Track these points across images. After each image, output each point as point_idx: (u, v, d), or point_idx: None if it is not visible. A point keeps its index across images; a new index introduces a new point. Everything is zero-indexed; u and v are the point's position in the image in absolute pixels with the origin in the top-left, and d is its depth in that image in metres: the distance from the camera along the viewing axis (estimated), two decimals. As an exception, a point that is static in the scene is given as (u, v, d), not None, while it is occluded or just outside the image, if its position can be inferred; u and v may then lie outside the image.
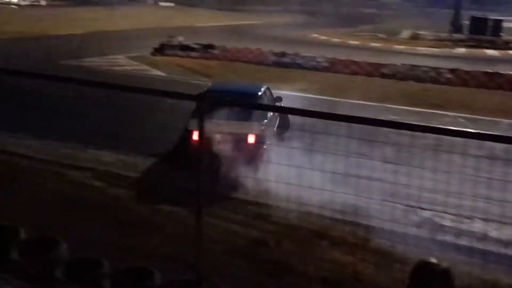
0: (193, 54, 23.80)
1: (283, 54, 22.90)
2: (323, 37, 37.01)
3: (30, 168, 7.30)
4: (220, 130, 7.44)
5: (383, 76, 20.52)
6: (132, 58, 22.68)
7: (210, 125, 5.13)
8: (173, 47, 24.49)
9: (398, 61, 22.07)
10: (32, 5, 55.05)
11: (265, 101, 10.18)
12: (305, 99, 15.22)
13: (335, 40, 35.72)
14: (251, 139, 8.45)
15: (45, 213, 6.01)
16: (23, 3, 55.79)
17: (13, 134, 8.12)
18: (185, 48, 24.37)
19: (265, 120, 9.15)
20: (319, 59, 22.14)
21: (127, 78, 18.11)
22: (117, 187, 6.98)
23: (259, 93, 10.09)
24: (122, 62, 21.67)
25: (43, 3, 57.79)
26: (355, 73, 20.80)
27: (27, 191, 6.58)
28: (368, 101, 15.82)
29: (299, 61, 22.35)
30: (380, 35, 40.18)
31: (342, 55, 22.92)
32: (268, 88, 11.01)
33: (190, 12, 55.81)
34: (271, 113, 9.61)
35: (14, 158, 7.58)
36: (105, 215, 6.15)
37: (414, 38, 38.55)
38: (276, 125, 9.87)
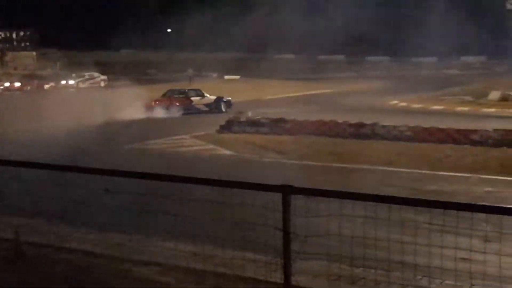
0: (263, 129, 23.95)
1: (361, 125, 22.73)
2: (403, 104, 36.78)
3: (94, 267, 7.25)
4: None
5: (474, 143, 19.95)
6: (198, 137, 23.03)
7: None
8: (240, 123, 24.76)
9: (489, 126, 21.50)
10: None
11: (193, 94, 34.63)
12: (394, 174, 14.96)
13: (417, 106, 35.41)
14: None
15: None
16: (81, 85, 58.62)
17: (75, 228, 8.19)
18: (253, 123, 24.59)
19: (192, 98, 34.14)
20: (401, 128, 21.82)
21: (193, 160, 18.34)
22: (186, 283, 6.83)
23: (188, 91, 35.71)
24: (188, 143, 22.02)
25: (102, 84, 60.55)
26: (442, 142, 20.32)
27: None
28: (460, 172, 15.37)
29: (380, 131, 22.09)
30: (466, 97, 39.63)
31: (426, 122, 22.54)
32: (198, 90, 35.58)
33: (258, 84, 56.80)
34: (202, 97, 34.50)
35: (78, 255, 7.58)
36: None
37: (505, 99, 37.75)
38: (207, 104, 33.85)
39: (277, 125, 24.08)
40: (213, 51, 74.21)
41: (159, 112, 31.59)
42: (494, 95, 39.72)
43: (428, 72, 67.23)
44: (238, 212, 4.65)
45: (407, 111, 32.34)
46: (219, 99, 34.08)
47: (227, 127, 24.78)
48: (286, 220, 3.71)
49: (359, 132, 22.36)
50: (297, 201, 4.16)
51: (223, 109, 32.82)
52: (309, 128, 23.34)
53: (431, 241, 4.81)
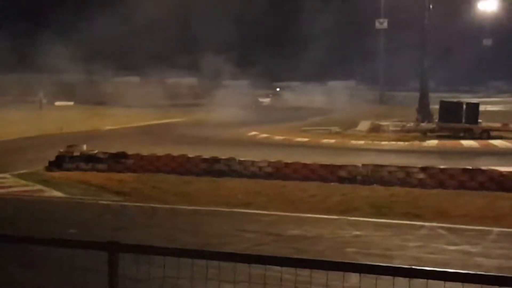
0: (100, 166, 23.56)
1: (215, 160, 22.93)
2: (263, 135, 37.54)
3: None
4: None
5: (341, 180, 20.67)
6: (21, 176, 22.20)
7: None
8: (74, 158, 24.21)
9: (358, 160, 22.39)
10: None
11: None
12: (252, 217, 15.16)
13: (279, 137, 36.25)
14: None
15: None
16: None
17: None
18: (89, 159, 24.12)
19: None
20: (260, 164, 22.23)
21: (14, 204, 17.62)
22: None
23: None
24: (8, 183, 21.13)
25: None
26: (306, 179, 20.90)
27: None
28: (325, 213, 15.81)
29: (236, 167, 22.38)
30: (333, 128, 41.07)
31: (288, 157, 23.12)
32: None
33: (96, 112, 56.03)
34: None
35: None
36: None
37: (375, 130, 39.60)
38: None
39: (117, 160, 23.78)
40: (40, 72, 72.35)
41: None
42: (364, 125, 41.59)
43: (290, 98, 69.17)
44: (59, 275, 4.51)
45: (268, 144, 33.04)
46: None
47: (57, 163, 24.14)
48: (113, 284, 3.62)
49: (213, 168, 22.54)
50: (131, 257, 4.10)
51: None
52: (155, 164, 23.25)
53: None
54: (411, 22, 54.15)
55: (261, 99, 69.70)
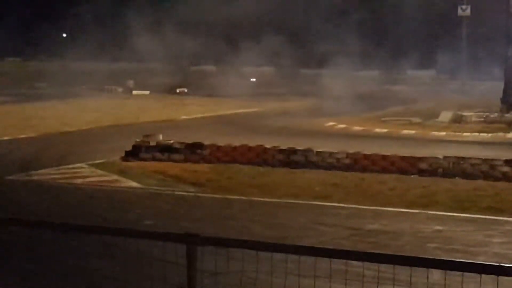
0: (176, 156, 23.82)
1: (292, 151, 22.92)
2: (341, 125, 37.37)
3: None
4: None
5: (422, 173, 20.42)
6: (98, 165, 22.62)
7: None
8: (150, 148, 24.54)
9: (439, 152, 22.05)
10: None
11: None
12: (329, 210, 15.14)
13: (357, 128, 36.04)
14: None
15: None
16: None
17: None
18: (165, 149, 24.41)
19: None
20: (338, 155, 22.12)
21: (90, 195, 17.99)
22: None
23: None
24: (85, 172, 21.59)
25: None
26: (385, 171, 20.74)
27: None
28: (405, 207, 15.67)
29: (313, 158, 22.34)
30: (413, 119, 40.62)
31: (367, 148, 22.94)
32: None
33: (172, 101, 56.68)
34: None
35: None
36: None
37: (457, 121, 38.94)
38: None
39: (193, 151, 23.99)
40: (117, 61, 73.73)
41: None
42: (445, 116, 40.83)
43: (368, 88, 68.52)
44: (137, 266, 4.59)
45: (346, 135, 32.87)
46: None
47: (134, 153, 24.52)
48: (191, 277, 3.65)
49: (290, 159, 22.53)
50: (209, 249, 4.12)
51: None
52: (231, 154, 23.36)
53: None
54: (495, 8, 52.90)
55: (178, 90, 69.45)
